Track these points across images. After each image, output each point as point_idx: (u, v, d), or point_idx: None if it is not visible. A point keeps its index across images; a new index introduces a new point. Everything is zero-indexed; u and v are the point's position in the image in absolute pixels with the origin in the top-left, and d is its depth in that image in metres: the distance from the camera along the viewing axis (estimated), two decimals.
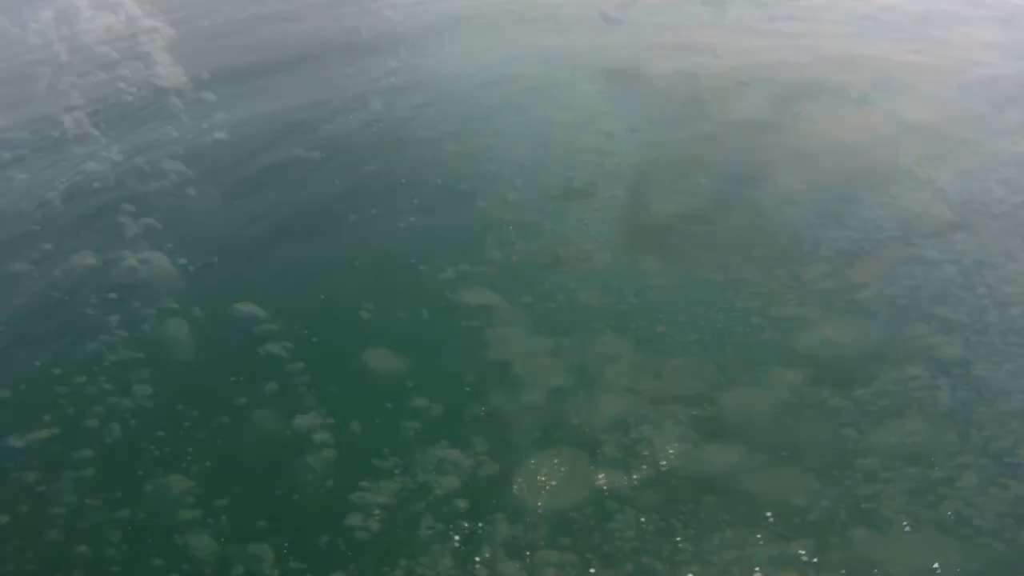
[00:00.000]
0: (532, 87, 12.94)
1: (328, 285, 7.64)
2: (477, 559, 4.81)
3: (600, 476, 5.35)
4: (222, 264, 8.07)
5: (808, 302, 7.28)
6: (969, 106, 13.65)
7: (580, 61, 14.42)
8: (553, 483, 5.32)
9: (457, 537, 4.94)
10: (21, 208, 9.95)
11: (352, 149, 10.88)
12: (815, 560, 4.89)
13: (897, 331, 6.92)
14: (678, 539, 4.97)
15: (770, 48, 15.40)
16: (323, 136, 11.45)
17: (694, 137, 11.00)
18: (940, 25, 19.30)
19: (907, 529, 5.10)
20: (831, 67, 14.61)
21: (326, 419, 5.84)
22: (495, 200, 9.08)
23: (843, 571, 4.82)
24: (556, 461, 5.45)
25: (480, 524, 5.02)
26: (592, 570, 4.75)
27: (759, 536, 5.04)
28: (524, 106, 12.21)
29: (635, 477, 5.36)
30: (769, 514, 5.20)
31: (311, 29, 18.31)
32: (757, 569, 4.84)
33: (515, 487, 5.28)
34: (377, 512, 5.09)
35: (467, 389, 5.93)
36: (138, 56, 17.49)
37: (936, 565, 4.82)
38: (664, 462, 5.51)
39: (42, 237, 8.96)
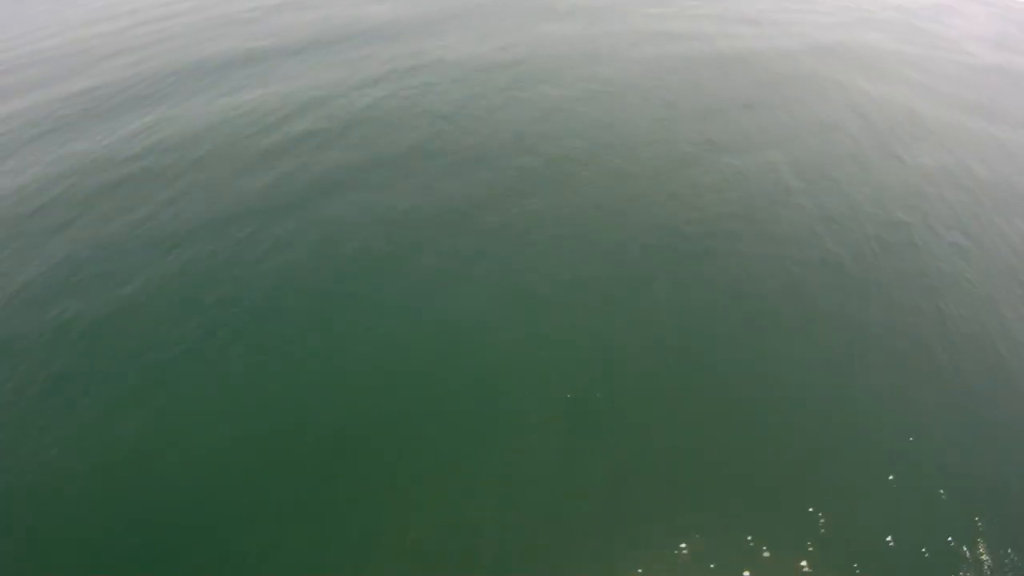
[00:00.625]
0: (526, 69, 13.84)
1: (351, 226, 8.50)
2: None
3: None
4: (256, 213, 8.92)
5: None
6: (952, 91, 14.53)
7: (580, 46, 15.32)
8: None
9: None
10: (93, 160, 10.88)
11: (366, 122, 11.77)
12: None
13: None
14: None
15: (760, 35, 16.28)
16: (338, 110, 12.33)
17: (676, 113, 11.89)
18: (931, 18, 20.22)
19: None
20: (818, 53, 15.48)
21: None
22: (493, 162, 10.03)
23: None
24: None
25: None
26: None
27: None
28: (520, 84, 13.09)
29: None
30: None
31: (321, 17, 19.24)
32: None
33: None
34: None
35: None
36: (159, 41, 18.47)
37: None
38: None
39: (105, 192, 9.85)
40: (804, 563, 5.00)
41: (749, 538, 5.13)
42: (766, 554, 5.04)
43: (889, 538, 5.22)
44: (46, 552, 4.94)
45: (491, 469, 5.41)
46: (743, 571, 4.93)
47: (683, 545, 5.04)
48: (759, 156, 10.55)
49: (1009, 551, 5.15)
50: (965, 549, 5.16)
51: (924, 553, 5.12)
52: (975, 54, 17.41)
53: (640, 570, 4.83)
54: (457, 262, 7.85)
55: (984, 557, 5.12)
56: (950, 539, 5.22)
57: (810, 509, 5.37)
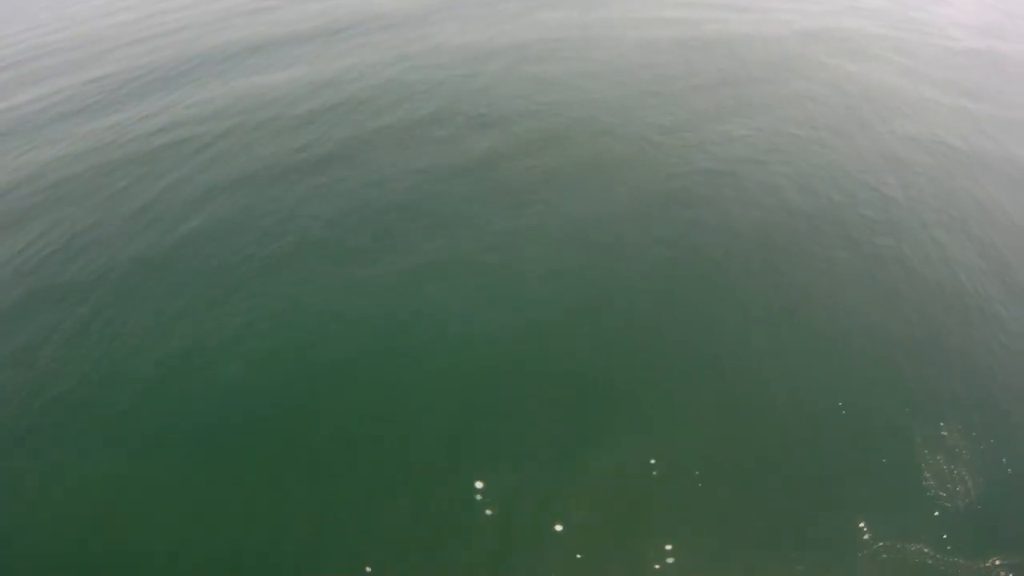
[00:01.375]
0: (527, 53, 14.82)
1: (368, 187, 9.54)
2: None
3: None
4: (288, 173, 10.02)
5: None
6: (932, 72, 15.41)
7: (577, 31, 16.32)
8: None
9: None
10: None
11: (379, 97, 12.80)
12: None
13: None
14: None
15: (748, 21, 17.22)
16: (352, 89, 13.35)
17: (665, 89, 12.83)
18: (919, 7, 21.13)
19: None
20: (805, 37, 16.41)
21: None
22: (500, 127, 11.03)
23: None
24: None
25: None
26: None
27: None
28: (522, 65, 14.07)
29: None
30: None
31: (330, 7, 20.29)
32: None
33: None
34: None
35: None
36: (173, 31, 19.54)
37: None
38: None
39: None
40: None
41: None
42: None
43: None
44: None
45: None
46: None
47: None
48: (741, 124, 11.47)
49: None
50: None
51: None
52: (959, 39, 18.29)
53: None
54: (469, 203, 8.90)
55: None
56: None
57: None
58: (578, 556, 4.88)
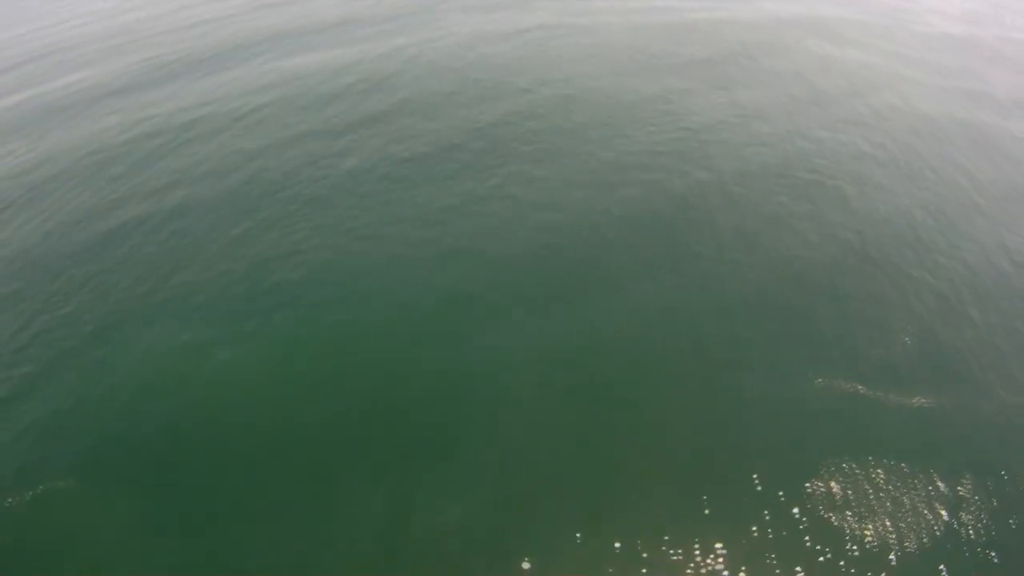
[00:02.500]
0: (527, 38, 16.40)
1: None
2: None
3: None
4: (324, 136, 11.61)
5: None
6: (907, 53, 16.91)
7: (572, 19, 17.95)
8: None
9: None
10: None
11: (396, 76, 14.32)
12: None
13: None
14: None
15: (734, 9, 18.80)
16: (373, 70, 14.89)
17: (651, 67, 14.36)
18: None
19: None
20: (785, 23, 17.95)
21: None
22: (506, 99, 12.59)
23: None
24: None
25: None
26: None
27: None
28: (523, 48, 15.66)
29: None
30: None
31: (340, 1, 21.88)
32: None
33: None
34: None
35: None
36: (195, 25, 21.11)
37: None
38: None
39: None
40: None
41: None
42: None
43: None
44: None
45: None
46: None
47: None
48: (722, 95, 13.04)
49: None
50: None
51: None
52: (938, 25, 19.83)
53: None
54: (479, 156, 10.54)
55: None
56: None
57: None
58: None
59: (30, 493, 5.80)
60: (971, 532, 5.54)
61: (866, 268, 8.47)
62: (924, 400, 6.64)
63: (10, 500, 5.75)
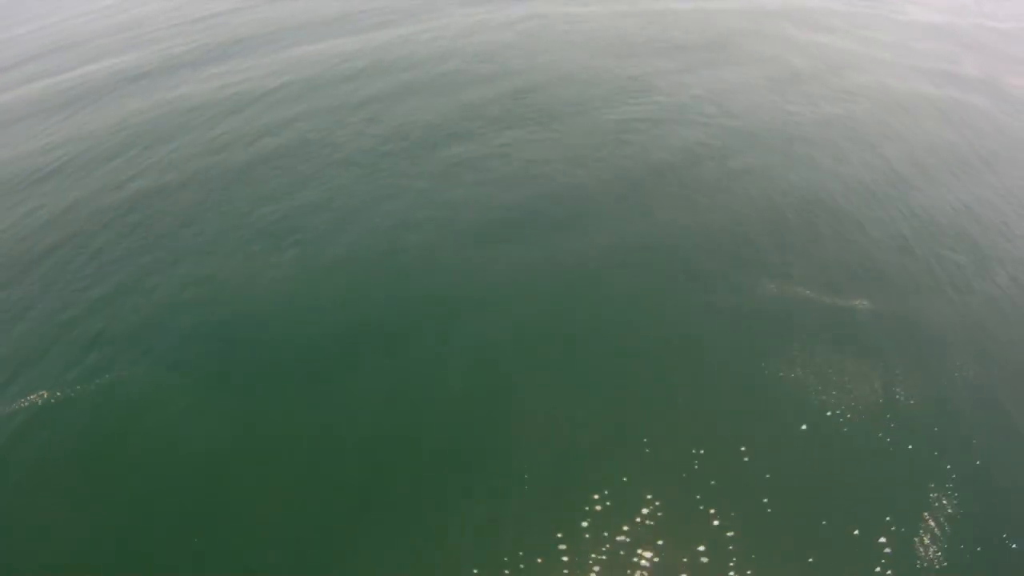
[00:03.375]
0: (519, 27, 17.67)
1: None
2: None
3: None
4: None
5: None
6: (885, 39, 18.11)
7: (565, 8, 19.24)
8: None
9: None
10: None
11: (404, 60, 15.62)
12: None
13: None
14: None
15: None
16: (385, 55, 16.16)
17: (634, 52, 15.59)
18: None
19: None
20: (764, 12, 19.19)
21: None
22: (503, 79, 13.82)
23: None
24: None
25: None
26: None
27: None
28: (519, 37, 16.91)
29: None
30: None
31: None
32: None
33: None
34: None
35: None
36: (216, 15, 22.44)
37: None
38: None
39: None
40: None
41: None
42: None
43: None
44: None
45: None
46: None
47: None
48: (702, 75, 14.30)
49: None
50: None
51: None
52: (918, 15, 21.03)
53: None
54: (482, 122, 11.86)
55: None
56: None
57: None
58: None
59: (98, 382, 7.00)
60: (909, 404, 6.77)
61: (814, 210, 9.71)
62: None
63: (79, 387, 6.94)
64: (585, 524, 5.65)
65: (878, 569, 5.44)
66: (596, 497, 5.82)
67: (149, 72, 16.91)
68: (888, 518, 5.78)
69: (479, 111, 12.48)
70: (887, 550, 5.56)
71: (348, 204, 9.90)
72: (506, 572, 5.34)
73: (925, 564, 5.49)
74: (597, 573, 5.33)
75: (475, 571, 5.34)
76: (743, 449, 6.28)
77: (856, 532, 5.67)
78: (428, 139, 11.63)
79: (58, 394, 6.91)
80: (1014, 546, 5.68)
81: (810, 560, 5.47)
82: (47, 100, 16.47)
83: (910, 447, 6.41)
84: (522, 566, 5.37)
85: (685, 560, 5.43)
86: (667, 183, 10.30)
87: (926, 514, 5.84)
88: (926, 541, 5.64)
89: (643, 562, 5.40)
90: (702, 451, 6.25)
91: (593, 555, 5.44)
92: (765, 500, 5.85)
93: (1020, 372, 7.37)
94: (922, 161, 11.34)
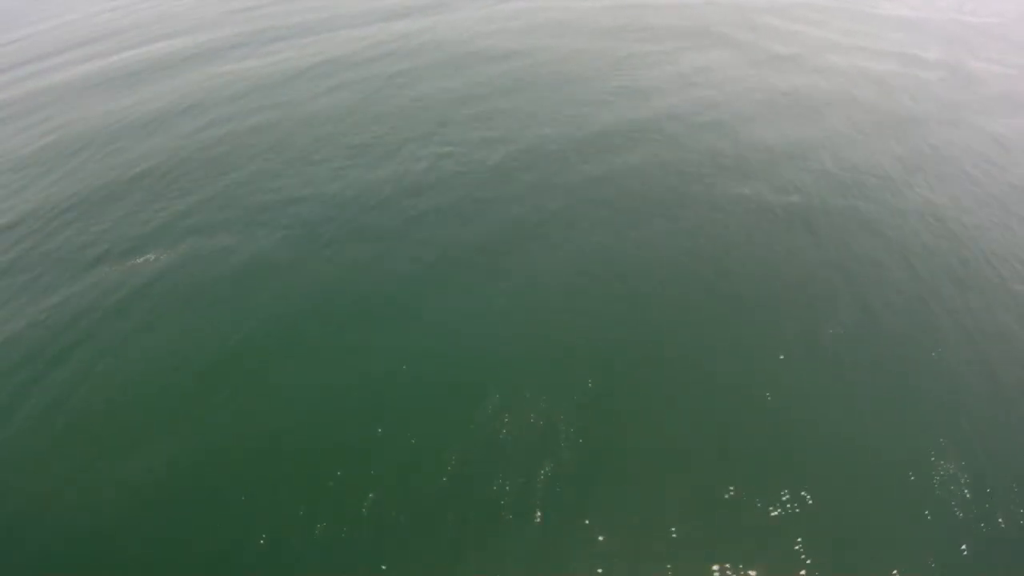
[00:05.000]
0: (521, 20, 20.05)
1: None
2: None
3: None
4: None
5: None
6: (860, 29, 20.31)
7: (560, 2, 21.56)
8: None
9: None
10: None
11: (422, 48, 17.99)
12: None
13: None
14: None
15: None
16: (401, 44, 18.50)
17: (614, 35, 17.84)
18: None
19: None
20: (749, 5, 21.46)
21: None
22: (500, 62, 16.21)
23: None
24: None
25: None
26: None
27: None
28: (515, 24, 19.29)
29: None
30: None
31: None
32: None
33: None
34: None
35: None
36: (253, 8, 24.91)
37: None
38: None
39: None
40: None
41: None
42: None
43: None
44: None
45: None
46: None
47: None
48: (678, 55, 16.72)
49: None
50: None
51: None
52: (894, 10, 23.23)
53: None
54: (485, 100, 14.28)
55: None
56: None
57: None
58: None
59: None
60: None
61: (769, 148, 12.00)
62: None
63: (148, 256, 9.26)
64: None
65: None
66: None
67: (191, 57, 19.33)
68: None
69: (495, 81, 15.03)
70: None
71: (389, 140, 12.73)
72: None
73: None
74: None
75: None
76: None
77: None
78: (451, 105, 14.32)
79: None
80: None
81: None
82: (107, 76, 18.93)
83: None
84: None
85: None
86: (646, 130, 12.92)
87: None
88: None
89: None
90: None
91: None
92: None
93: None
94: (858, 120, 13.75)
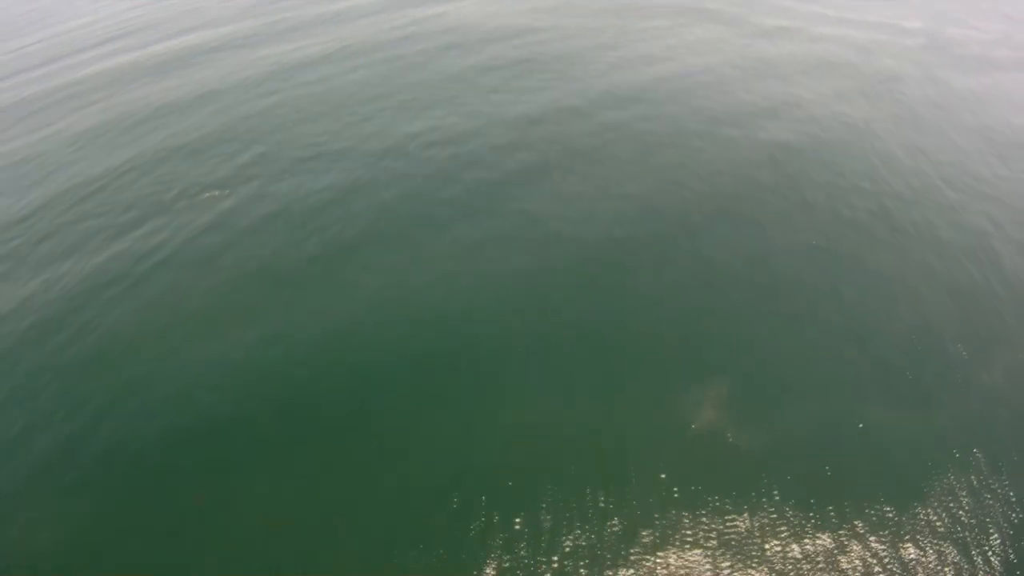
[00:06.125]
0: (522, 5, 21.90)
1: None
2: None
3: None
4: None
5: None
6: (855, 4, 21.93)
7: None
8: None
9: None
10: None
11: (437, 32, 19.91)
12: None
13: None
14: None
15: None
16: (420, 28, 20.42)
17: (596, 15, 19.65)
18: None
19: None
20: None
21: None
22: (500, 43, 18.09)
23: None
24: None
25: None
26: None
27: None
28: (517, 13, 21.11)
29: None
30: None
31: None
32: None
33: None
34: None
35: None
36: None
37: None
38: None
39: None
40: None
41: None
42: None
43: None
44: None
45: None
46: None
47: None
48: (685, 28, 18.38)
49: None
50: None
51: None
52: None
53: None
54: (488, 77, 16.05)
55: None
56: None
57: None
58: None
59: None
60: None
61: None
62: None
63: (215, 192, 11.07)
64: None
65: None
66: None
67: (224, 46, 21.44)
68: None
69: (508, 54, 16.93)
70: None
71: (415, 105, 14.78)
72: None
73: None
74: None
75: None
76: None
77: None
78: (475, 75, 16.43)
79: None
80: None
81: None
82: (155, 62, 21.09)
83: None
84: None
85: None
86: (646, 90, 14.76)
87: None
88: None
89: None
90: None
91: None
92: None
93: None
94: (840, 79, 15.56)
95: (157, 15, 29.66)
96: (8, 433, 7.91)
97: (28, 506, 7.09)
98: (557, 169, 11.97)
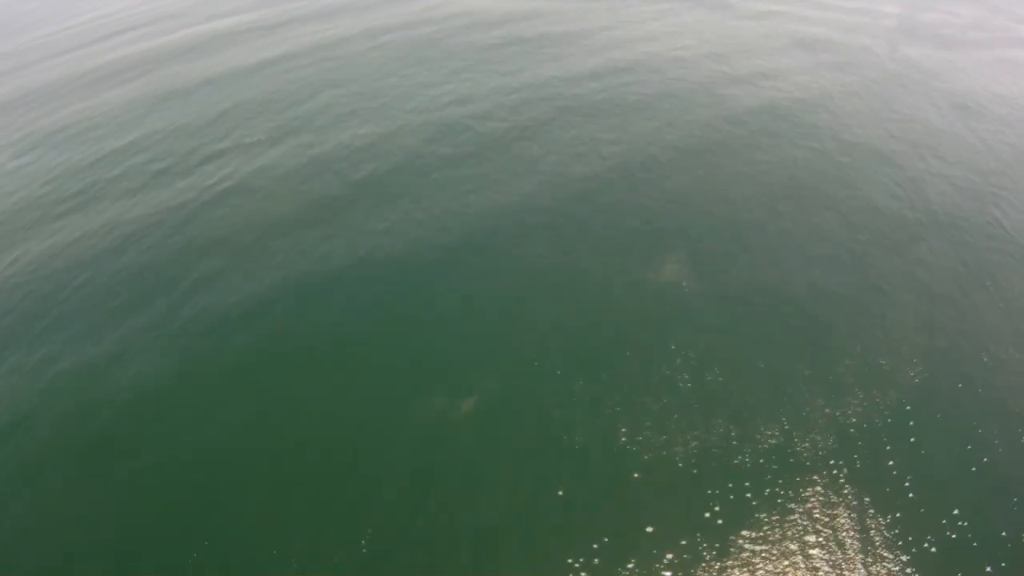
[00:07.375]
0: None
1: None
2: None
3: None
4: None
5: None
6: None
7: None
8: None
9: None
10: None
11: (447, 18, 22.09)
12: None
13: None
14: None
15: None
16: (427, 15, 22.65)
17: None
18: None
19: None
20: None
21: None
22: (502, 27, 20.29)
23: None
24: None
25: None
26: None
27: None
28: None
29: None
30: None
31: None
32: None
33: None
34: None
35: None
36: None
37: None
38: None
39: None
40: None
41: None
42: None
43: None
44: None
45: None
46: None
47: None
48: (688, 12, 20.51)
49: None
50: None
51: None
52: None
53: None
54: (488, 55, 18.11)
55: None
56: None
57: None
58: None
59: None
60: None
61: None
62: None
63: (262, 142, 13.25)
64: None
65: None
66: None
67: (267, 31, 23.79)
68: None
69: (493, 50, 19.34)
70: None
71: (432, 78, 16.94)
72: None
73: None
74: None
75: None
76: None
77: None
78: (487, 54, 18.65)
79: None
80: None
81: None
82: (188, 45, 23.37)
83: None
84: None
85: None
86: (638, 61, 16.78)
87: None
88: None
89: None
90: None
91: None
92: None
93: None
94: (816, 54, 17.63)
95: (188, 2, 32.19)
96: (112, 303, 10.23)
97: (137, 350, 9.36)
98: (554, 123, 14.19)
